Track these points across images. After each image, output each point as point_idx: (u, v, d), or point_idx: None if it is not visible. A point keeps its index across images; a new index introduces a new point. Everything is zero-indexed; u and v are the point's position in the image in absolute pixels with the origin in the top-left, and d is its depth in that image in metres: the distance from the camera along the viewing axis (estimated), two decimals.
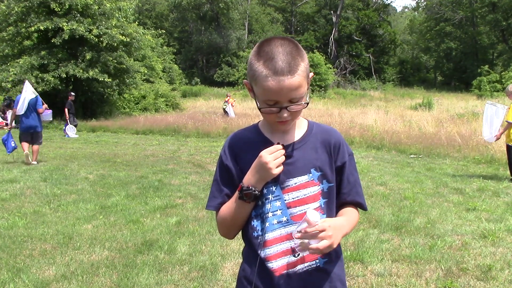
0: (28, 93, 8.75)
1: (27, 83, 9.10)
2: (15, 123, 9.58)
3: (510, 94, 7.38)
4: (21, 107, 8.63)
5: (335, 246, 1.26)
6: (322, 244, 1.23)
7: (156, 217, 5.20)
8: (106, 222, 4.94)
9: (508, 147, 7.40)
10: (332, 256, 1.41)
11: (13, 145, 8.95)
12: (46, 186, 6.72)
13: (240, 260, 4.25)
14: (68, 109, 15.61)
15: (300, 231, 1.26)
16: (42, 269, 3.63)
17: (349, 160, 1.46)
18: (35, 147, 8.86)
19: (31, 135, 8.86)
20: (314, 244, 1.24)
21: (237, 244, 4.18)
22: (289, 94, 1.29)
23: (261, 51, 1.30)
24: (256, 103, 1.35)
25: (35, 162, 8.80)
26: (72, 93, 16.34)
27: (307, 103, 1.35)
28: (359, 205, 1.50)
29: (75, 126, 15.90)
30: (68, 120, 15.52)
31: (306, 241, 1.26)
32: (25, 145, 8.80)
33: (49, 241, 4.31)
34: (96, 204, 5.74)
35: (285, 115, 1.32)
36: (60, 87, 18.14)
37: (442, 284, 3.41)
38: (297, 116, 1.39)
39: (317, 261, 1.38)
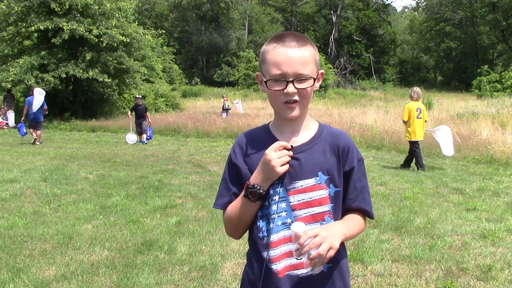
0: (40, 96, 12.34)
1: (35, 91, 12.43)
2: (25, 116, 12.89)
3: (411, 97, 8.53)
4: (35, 107, 12.17)
5: (336, 246, 1.23)
6: (322, 248, 1.20)
7: (156, 217, 5.20)
8: (106, 222, 4.94)
9: (409, 143, 8.53)
10: (336, 260, 1.39)
11: (25, 131, 12.64)
12: (46, 186, 6.72)
13: (240, 260, 4.24)
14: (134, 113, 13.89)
15: (296, 249, 1.24)
16: (42, 269, 3.63)
17: (358, 166, 1.43)
18: (38, 132, 12.47)
19: (35, 124, 12.37)
20: (313, 251, 1.20)
21: (237, 244, 4.18)
22: (295, 67, 1.31)
23: (273, 38, 1.38)
24: (265, 85, 1.36)
25: (39, 143, 12.34)
26: (137, 96, 14.14)
27: (315, 79, 1.36)
28: (365, 213, 1.47)
29: (139, 133, 13.60)
30: (135, 125, 13.77)
31: (307, 255, 1.22)
32: (33, 132, 12.46)
33: (49, 241, 4.31)
34: (96, 204, 5.74)
35: (292, 90, 1.32)
36: (60, 87, 18.09)
37: (442, 284, 3.41)
38: (305, 104, 1.38)
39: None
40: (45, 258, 3.89)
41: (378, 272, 3.62)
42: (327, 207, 1.38)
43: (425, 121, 8.63)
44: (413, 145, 8.50)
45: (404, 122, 8.45)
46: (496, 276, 3.55)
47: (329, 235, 1.23)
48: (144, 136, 13.54)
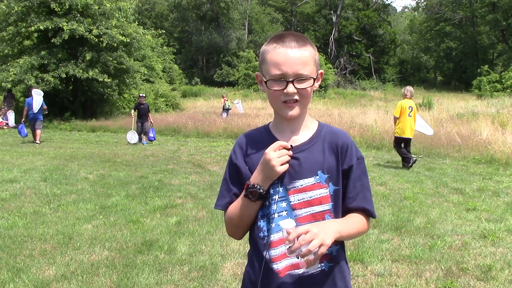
0: (38, 97, 12.73)
1: (33, 93, 12.78)
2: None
3: (404, 95, 8.89)
4: (36, 108, 12.61)
5: (328, 242, 1.21)
6: (313, 245, 1.18)
7: (156, 217, 5.20)
8: (106, 222, 4.94)
9: (395, 138, 8.86)
10: (338, 260, 1.39)
11: (26, 132, 12.91)
12: (46, 186, 6.72)
13: (240, 260, 4.23)
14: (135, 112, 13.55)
15: (289, 247, 1.22)
16: (42, 269, 3.63)
17: (357, 164, 1.42)
18: (38, 131, 12.77)
19: (34, 123, 12.69)
20: (304, 248, 1.19)
21: (237, 244, 4.18)
22: (295, 67, 1.31)
23: (272, 38, 1.38)
24: (265, 85, 1.36)
25: (39, 142, 12.59)
26: (141, 95, 14.00)
27: (315, 79, 1.36)
28: (366, 212, 1.45)
29: (141, 133, 13.38)
30: (136, 125, 13.43)
31: (299, 251, 1.21)
32: (33, 133, 12.89)
33: (49, 241, 4.31)
34: (96, 204, 5.74)
35: (292, 90, 1.32)
36: (60, 87, 18.09)
37: (442, 284, 3.41)
38: (305, 103, 1.38)
39: (322, 264, 1.36)
40: (45, 258, 3.88)
41: (378, 272, 3.62)
42: (327, 206, 1.38)
43: (415, 121, 8.90)
44: (397, 142, 8.80)
45: (395, 118, 8.77)
46: (496, 276, 3.55)
47: (320, 232, 1.21)
48: (144, 138, 13.37)
